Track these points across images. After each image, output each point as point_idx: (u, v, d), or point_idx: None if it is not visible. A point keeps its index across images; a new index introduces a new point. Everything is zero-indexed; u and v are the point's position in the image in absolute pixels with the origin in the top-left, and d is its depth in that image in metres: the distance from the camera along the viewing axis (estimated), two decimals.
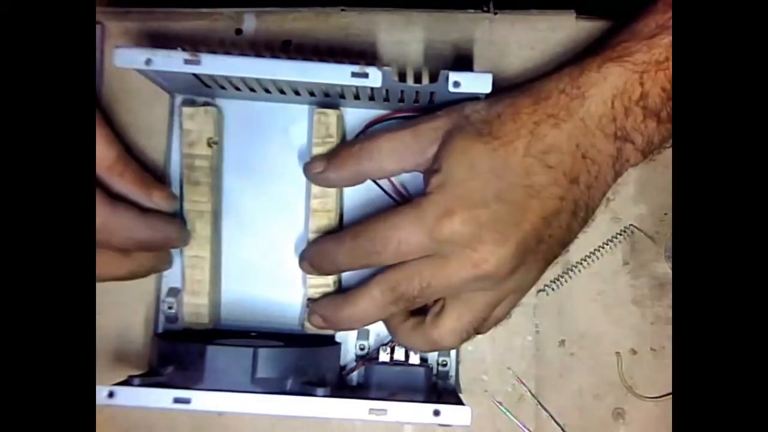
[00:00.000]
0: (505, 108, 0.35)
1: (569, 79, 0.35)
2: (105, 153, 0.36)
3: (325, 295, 0.39)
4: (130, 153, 0.39)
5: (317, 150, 0.40)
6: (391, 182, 0.40)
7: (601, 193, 0.36)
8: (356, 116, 0.42)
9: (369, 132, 0.39)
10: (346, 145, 0.38)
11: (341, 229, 0.41)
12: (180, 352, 0.36)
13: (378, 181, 0.41)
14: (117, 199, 0.36)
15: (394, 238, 0.34)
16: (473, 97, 0.37)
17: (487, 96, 0.36)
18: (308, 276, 0.40)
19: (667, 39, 0.34)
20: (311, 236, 0.40)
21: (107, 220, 0.35)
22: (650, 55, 0.34)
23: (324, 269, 0.38)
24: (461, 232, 0.33)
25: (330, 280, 0.40)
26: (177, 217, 0.40)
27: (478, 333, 0.38)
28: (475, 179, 0.34)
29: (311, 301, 0.39)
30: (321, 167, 0.38)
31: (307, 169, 0.39)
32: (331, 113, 0.40)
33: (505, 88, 0.37)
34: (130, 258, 0.37)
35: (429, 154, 0.36)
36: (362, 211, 0.41)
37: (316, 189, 0.40)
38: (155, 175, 0.40)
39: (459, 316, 0.35)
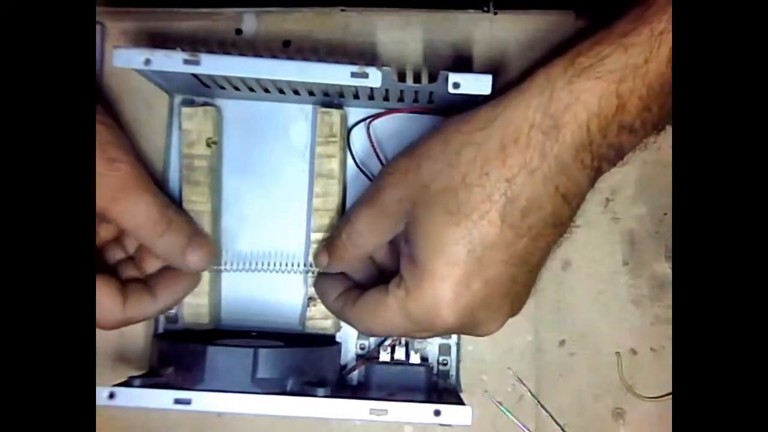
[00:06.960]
0: (468, 166, 0.32)
1: (539, 108, 0.31)
2: (146, 214, 0.36)
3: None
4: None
5: (321, 149, 0.40)
6: None
7: (578, 206, 0.34)
8: (357, 115, 0.42)
9: (347, 212, 0.38)
10: (334, 238, 0.37)
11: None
12: (180, 353, 0.36)
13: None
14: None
15: (383, 326, 0.35)
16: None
17: (440, 131, 0.34)
18: (309, 275, 0.40)
19: (645, 31, 0.30)
20: (313, 235, 0.40)
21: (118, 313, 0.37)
22: (626, 57, 0.31)
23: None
24: (452, 324, 0.33)
25: None
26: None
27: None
28: (454, 269, 0.32)
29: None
30: (325, 261, 0.38)
31: (315, 263, 0.40)
32: (335, 113, 0.40)
33: (465, 103, 0.35)
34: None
35: (401, 227, 0.34)
36: None
37: (318, 188, 0.40)
38: (154, 177, 0.40)
39: None
